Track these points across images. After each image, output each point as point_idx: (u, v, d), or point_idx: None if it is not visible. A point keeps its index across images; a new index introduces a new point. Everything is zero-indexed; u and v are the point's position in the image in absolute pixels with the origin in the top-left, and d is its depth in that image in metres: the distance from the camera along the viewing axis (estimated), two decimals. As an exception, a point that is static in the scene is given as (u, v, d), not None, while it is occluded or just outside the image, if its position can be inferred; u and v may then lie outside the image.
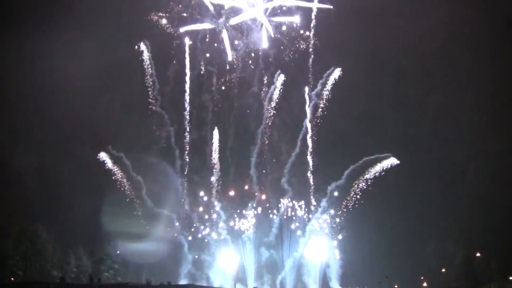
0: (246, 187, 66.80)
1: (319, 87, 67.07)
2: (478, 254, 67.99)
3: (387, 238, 67.92)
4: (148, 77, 64.27)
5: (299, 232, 66.59)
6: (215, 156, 65.56)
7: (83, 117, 63.59)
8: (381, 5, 64.60)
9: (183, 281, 62.00)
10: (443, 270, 69.83)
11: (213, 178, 66.08)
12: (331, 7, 65.55)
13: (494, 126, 69.85)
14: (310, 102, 67.11)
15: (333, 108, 67.13)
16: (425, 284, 70.80)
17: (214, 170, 65.84)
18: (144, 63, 64.21)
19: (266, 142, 67.24)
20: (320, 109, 67.19)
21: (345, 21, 64.92)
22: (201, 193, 66.82)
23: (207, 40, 66.22)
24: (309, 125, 67.05)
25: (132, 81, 65.02)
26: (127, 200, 63.81)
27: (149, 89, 64.71)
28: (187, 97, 64.80)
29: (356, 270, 67.90)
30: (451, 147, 70.28)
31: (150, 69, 64.04)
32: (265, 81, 67.16)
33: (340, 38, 64.88)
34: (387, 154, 66.39)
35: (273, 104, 66.51)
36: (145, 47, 63.86)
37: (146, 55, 63.85)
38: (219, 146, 65.32)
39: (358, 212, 67.45)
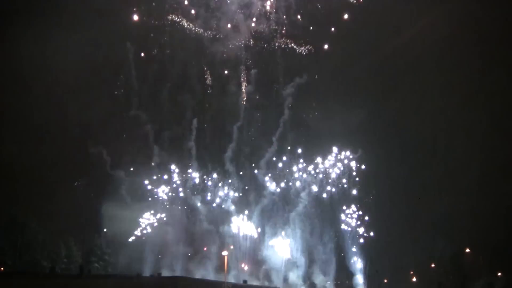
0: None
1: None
2: (467, 250, 68.85)
3: (378, 234, 68.69)
4: (131, 77, 63.53)
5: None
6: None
7: (68, 113, 63.29)
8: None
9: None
10: (433, 265, 70.81)
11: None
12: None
13: (487, 123, 70.36)
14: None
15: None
16: (414, 279, 71.57)
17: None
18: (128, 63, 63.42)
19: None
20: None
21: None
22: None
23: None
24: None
25: (116, 80, 63.98)
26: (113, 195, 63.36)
27: (130, 90, 64.07)
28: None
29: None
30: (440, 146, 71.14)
31: (132, 69, 63.30)
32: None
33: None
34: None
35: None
36: (130, 48, 62.78)
37: (130, 56, 62.93)
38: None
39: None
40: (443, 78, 70.50)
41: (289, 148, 66.67)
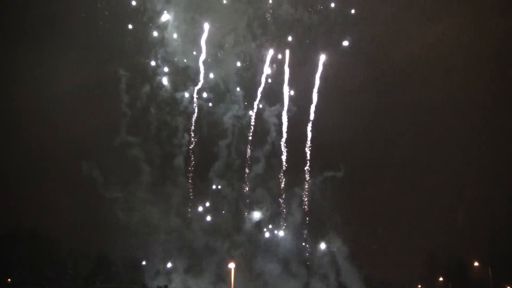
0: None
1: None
2: (475, 264, 68.28)
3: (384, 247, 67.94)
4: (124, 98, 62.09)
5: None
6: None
7: (65, 128, 62.78)
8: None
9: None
10: (441, 279, 70.09)
11: None
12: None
13: (496, 133, 69.54)
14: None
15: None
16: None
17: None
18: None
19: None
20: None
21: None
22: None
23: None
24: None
25: (111, 100, 62.77)
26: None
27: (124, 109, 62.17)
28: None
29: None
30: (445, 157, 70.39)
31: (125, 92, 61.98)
32: None
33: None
34: None
35: None
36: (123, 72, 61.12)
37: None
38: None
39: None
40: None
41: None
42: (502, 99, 65.86)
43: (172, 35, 59.78)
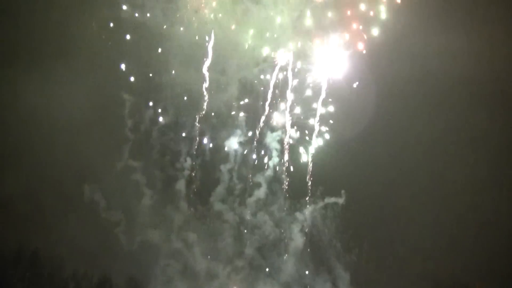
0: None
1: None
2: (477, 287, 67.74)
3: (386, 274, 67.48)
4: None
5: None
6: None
7: (67, 152, 62.71)
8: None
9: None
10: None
11: None
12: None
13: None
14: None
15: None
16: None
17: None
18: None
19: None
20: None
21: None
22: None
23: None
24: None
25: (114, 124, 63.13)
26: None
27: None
28: None
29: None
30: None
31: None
32: None
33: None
34: None
35: None
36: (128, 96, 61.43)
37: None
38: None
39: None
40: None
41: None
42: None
43: (176, 60, 60.17)
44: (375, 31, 58.02)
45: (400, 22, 57.33)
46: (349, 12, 56.72)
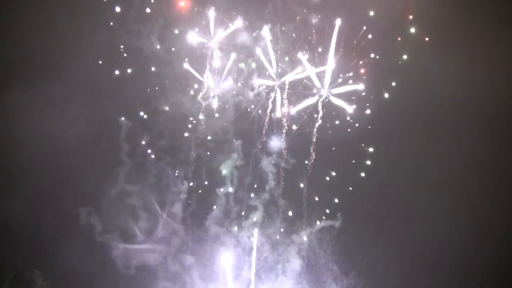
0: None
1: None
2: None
3: None
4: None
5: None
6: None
7: (65, 173, 62.67)
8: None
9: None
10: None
11: None
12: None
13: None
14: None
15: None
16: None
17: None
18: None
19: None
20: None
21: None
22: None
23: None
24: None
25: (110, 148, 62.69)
26: None
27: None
28: None
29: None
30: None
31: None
32: None
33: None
34: None
35: None
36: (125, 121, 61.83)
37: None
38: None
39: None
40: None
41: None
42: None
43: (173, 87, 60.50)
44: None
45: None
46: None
